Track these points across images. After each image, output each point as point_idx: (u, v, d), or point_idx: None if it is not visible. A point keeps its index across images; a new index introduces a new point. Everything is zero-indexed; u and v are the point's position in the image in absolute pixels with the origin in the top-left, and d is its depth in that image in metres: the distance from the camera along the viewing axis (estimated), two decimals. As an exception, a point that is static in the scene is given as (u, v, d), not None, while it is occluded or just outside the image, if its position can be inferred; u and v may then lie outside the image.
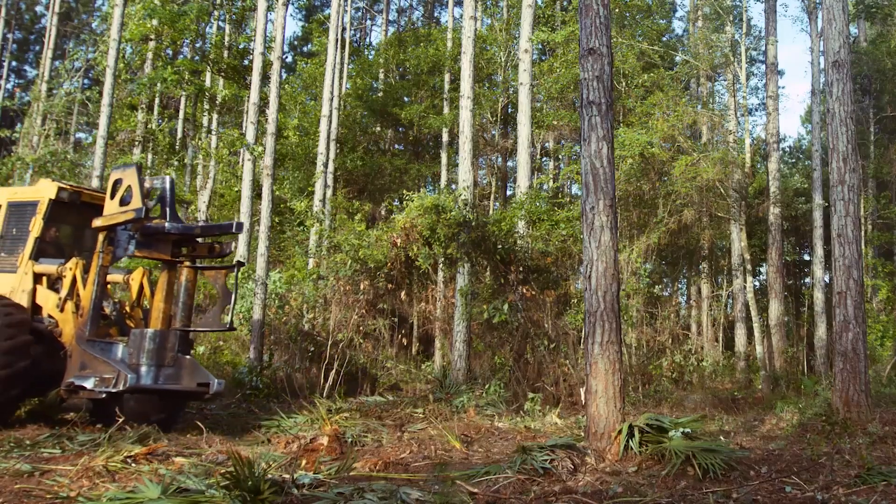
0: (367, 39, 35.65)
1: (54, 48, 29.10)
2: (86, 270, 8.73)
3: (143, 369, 8.35)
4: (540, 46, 23.49)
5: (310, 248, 17.44)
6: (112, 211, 8.33)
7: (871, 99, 24.81)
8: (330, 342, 13.18)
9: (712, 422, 10.68)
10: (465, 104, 15.34)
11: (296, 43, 35.92)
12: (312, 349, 13.63)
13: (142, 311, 9.48)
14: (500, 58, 23.83)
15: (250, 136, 15.49)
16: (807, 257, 29.45)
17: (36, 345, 8.34)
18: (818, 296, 19.70)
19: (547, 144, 27.93)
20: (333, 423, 8.82)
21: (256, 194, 16.25)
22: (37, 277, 8.97)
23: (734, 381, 19.25)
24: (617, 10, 22.67)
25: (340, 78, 23.54)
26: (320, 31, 28.05)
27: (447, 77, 24.42)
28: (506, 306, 13.23)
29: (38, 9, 39.95)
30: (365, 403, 11.82)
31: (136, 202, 8.12)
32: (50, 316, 8.83)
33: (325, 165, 20.65)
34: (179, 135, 23.90)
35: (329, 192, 20.99)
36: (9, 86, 36.71)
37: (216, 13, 23.22)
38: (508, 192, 26.99)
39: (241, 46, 22.46)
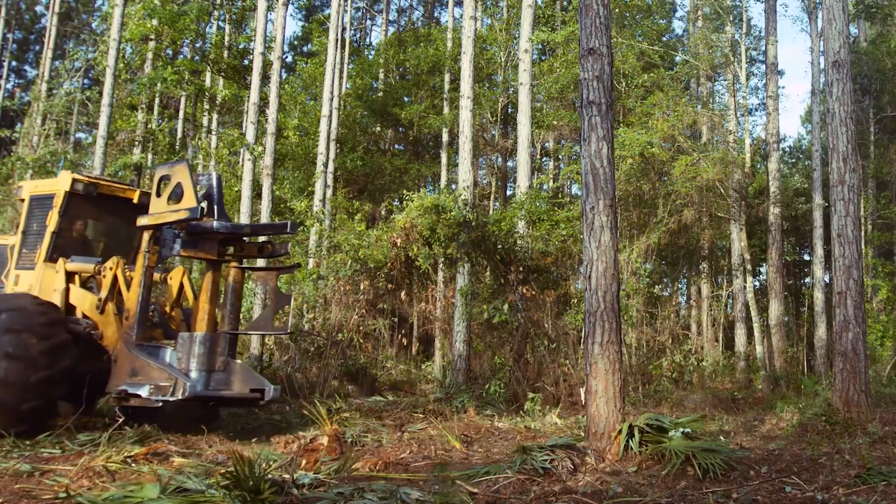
0: (367, 39, 35.72)
1: (54, 48, 29.10)
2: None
3: (194, 375, 7.95)
4: (540, 46, 23.49)
5: (310, 248, 17.44)
6: (160, 209, 7.85)
7: (871, 99, 24.80)
8: (330, 342, 13.18)
9: (712, 422, 10.66)
10: (465, 104, 15.34)
11: (296, 43, 35.92)
12: (312, 349, 13.62)
13: (182, 311, 9.11)
14: (500, 58, 23.83)
15: (250, 136, 15.50)
16: (807, 257, 29.49)
17: (73, 346, 7.89)
18: (818, 296, 19.72)
19: (547, 144, 27.93)
20: (333, 423, 8.81)
21: (256, 194, 16.28)
22: (69, 276, 8.54)
23: (734, 381, 19.25)
24: (617, 10, 22.67)
25: (340, 78, 23.55)
26: (320, 31, 28.06)
27: (447, 77, 24.43)
28: (506, 306, 13.21)
29: (38, 9, 40.03)
30: (365, 403, 11.82)
31: (190, 201, 7.60)
32: (86, 316, 8.40)
33: (325, 165, 20.65)
34: (179, 135, 23.88)
35: (329, 192, 20.99)
36: (9, 86, 36.74)
37: (216, 13, 23.21)
38: (508, 192, 27.00)
39: (241, 46, 22.47)
